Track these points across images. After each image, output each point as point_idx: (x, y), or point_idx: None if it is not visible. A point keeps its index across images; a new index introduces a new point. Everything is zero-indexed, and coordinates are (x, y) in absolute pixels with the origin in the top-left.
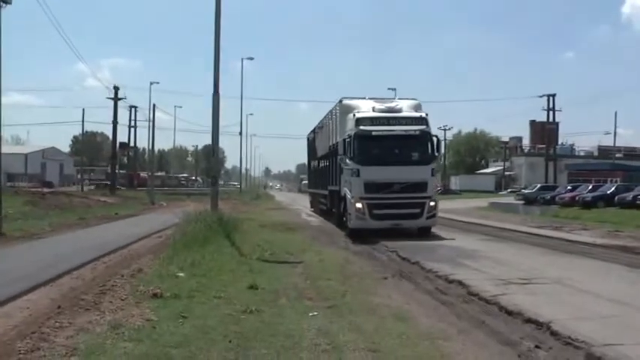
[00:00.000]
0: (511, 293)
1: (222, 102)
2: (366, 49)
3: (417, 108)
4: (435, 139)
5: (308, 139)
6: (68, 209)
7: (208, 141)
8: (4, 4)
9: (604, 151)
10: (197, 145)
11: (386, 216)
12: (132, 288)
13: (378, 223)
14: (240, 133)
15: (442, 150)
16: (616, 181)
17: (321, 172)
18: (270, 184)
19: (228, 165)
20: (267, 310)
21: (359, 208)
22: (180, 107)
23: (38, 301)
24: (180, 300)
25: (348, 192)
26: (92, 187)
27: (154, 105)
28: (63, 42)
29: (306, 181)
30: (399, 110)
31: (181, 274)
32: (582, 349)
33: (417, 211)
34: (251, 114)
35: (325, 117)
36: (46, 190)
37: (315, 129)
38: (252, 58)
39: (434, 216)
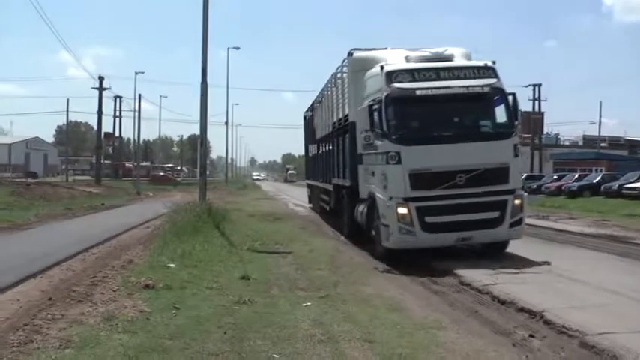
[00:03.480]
0: (502, 282)
1: (208, 91)
2: (351, 38)
3: (469, 58)
4: (511, 98)
5: (305, 117)
6: (54, 200)
7: (194, 131)
8: None
9: (589, 141)
10: (182, 135)
11: (447, 226)
12: (123, 279)
13: (436, 237)
14: (227, 123)
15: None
16: (601, 171)
17: (321, 160)
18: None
19: (214, 155)
20: (260, 300)
21: (403, 216)
22: (166, 97)
23: (29, 293)
24: (173, 291)
25: (380, 191)
26: (75, 177)
27: (140, 95)
28: (43, 31)
29: (292, 171)
30: (450, 57)
31: (172, 265)
32: (576, 337)
33: (496, 215)
34: (237, 104)
35: (326, 85)
36: (30, 180)
37: (313, 104)
38: (238, 48)
39: (520, 222)
